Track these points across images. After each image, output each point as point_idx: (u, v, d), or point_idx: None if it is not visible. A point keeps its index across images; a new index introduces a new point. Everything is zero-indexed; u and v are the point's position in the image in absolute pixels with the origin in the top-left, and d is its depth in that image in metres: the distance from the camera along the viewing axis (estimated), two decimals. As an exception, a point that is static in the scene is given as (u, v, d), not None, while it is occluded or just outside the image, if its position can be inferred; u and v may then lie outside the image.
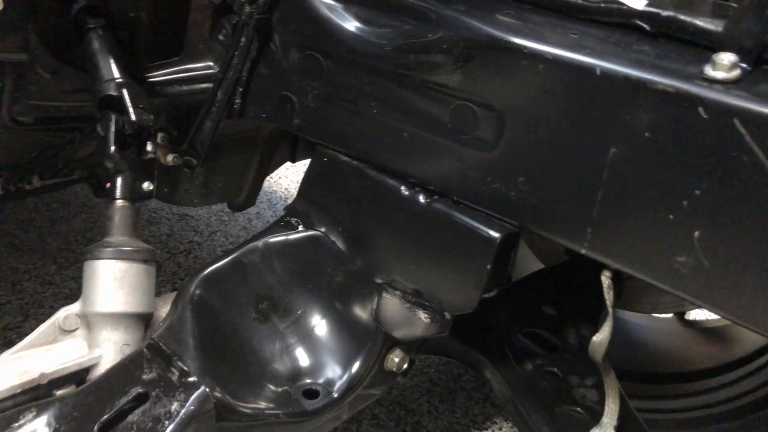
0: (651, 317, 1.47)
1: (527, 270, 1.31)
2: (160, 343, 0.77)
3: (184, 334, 0.79)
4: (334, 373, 0.85)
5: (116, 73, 0.89)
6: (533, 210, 0.68)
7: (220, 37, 0.95)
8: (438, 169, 0.75)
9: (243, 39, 0.87)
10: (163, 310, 0.87)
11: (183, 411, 0.71)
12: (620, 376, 0.95)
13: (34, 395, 0.76)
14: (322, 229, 0.89)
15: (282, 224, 0.92)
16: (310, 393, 0.83)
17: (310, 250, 0.89)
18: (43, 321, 0.83)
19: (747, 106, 0.53)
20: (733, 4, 0.62)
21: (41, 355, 0.80)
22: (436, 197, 0.77)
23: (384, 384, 0.91)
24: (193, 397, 0.72)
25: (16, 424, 0.71)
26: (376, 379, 0.87)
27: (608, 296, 0.75)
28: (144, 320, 0.85)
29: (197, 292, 0.83)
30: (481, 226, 0.72)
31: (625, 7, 0.64)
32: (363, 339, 0.85)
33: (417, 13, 0.75)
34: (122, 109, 0.86)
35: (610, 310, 0.77)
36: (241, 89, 0.92)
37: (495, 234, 0.71)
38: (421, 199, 0.77)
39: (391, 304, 0.81)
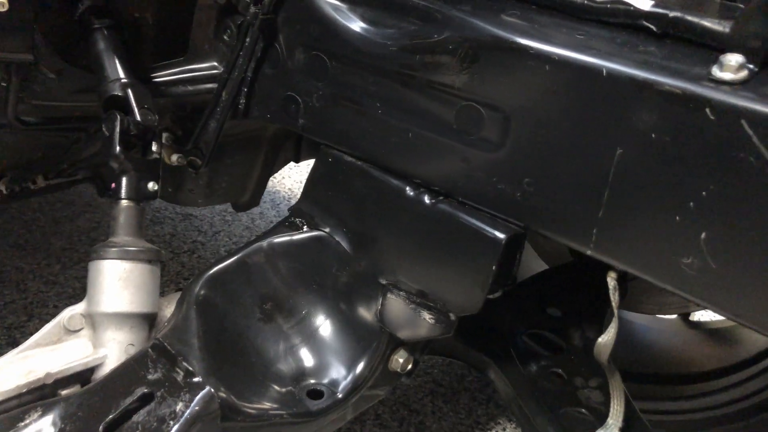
0: (656, 318, 1.47)
1: (531, 271, 1.31)
2: (165, 344, 0.77)
3: (189, 334, 0.79)
4: (338, 373, 0.84)
5: (121, 74, 0.89)
6: (539, 211, 0.68)
7: (225, 37, 0.95)
8: (443, 170, 0.75)
9: (248, 39, 0.87)
10: (168, 310, 0.87)
11: (188, 411, 0.71)
12: (625, 378, 0.95)
13: (40, 395, 0.76)
14: (327, 230, 0.89)
15: (286, 224, 0.92)
16: (315, 393, 0.83)
17: (314, 251, 0.89)
18: (47, 320, 0.83)
19: (754, 107, 0.52)
20: (741, 5, 0.61)
21: (46, 354, 0.80)
22: (441, 198, 0.77)
23: (388, 384, 0.90)
24: (198, 397, 0.72)
25: (22, 424, 0.71)
26: (380, 380, 0.87)
27: (614, 297, 0.75)
28: (149, 320, 0.85)
29: (202, 292, 0.83)
30: (487, 227, 0.72)
31: (632, 8, 0.64)
32: (367, 339, 0.85)
33: (422, 13, 0.75)
34: (127, 110, 0.87)
35: (615, 311, 0.76)
36: (245, 89, 0.92)
37: (500, 235, 0.71)
38: (426, 199, 0.77)
39: (396, 305, 0.81)
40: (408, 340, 0.85)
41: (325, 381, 0.84)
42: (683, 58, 0.59)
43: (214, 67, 0.99)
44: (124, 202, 0.87)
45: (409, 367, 0.88)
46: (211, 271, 0.85)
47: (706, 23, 0.59)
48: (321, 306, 0.88)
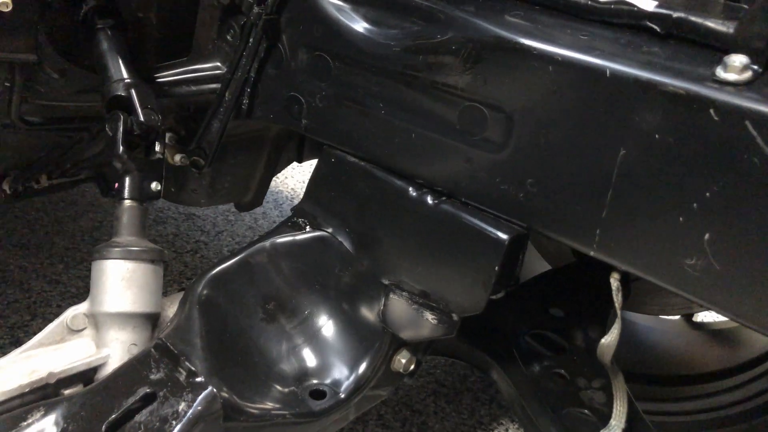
0: (659, 319, 1.46)
1: (534, 271, 1.31)
2: (168, 343, 0.77)
3: (192, 334, 0.79)
4: (340, 373, 0.84)
5: (125, 74, 0.89)
6: (542, 211, 0.68)
7: (229, 37, 0.95)
8: (446, 170, 0.75)
9: (251, 40, 0.87)
10: (171, 310, 0.87)
11: (190, 411, 0.71)
12: (628, 378, 0.94)
13: (43, 394, 0.77)
14: (329, 230, 0.89)
15: (289, 225, 0.92)
16: (317, 393, 0.83)
17: (317, 251, 0.89)
18: (50, 320, 0.83)
19: (759, 108, 0.52)
20: (745, 6, 0.61)
21: (49, 354, 0.80)
22: (444, 198, 0.77)
23: (391, 385, 0.90)
24: (200, 397, 0.72)
25: (25, 423, 0.71)
26: (382, 380, 0.87)
27: (617, 298, 0.75)
28: (152, 320, 0.85)
29: (204, 292, 0.83)
30: (490, 228, 0.72)
31: (636, 9, 0.63)
32: (370, 340, 0.85)
33: (426, 14, 0.75)
34: (131, 110, 0.87)
35: (618, 312, 0.76)
36: (248, 90, 0.92)
37: (503, 235, 0.71)
38: (429, 200, 0.77)
39: (398, 305, 0.81)
40: (410, 340, 0.85)
41: (328, 381, 0.84)
42: (687, 58, 0.59)
43: (217, 68, 0.99)
44: (127, 202, 0.87)
45: (412, 367, 0.88)
46: (214, 271, 0.85)
47: (710, 24, 0.59)
48: (323, 306, 0.88)
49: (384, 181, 0.81)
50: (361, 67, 0.79)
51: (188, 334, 0.79)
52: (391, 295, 0.82)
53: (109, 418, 0.71)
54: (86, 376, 0.80)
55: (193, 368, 0.75)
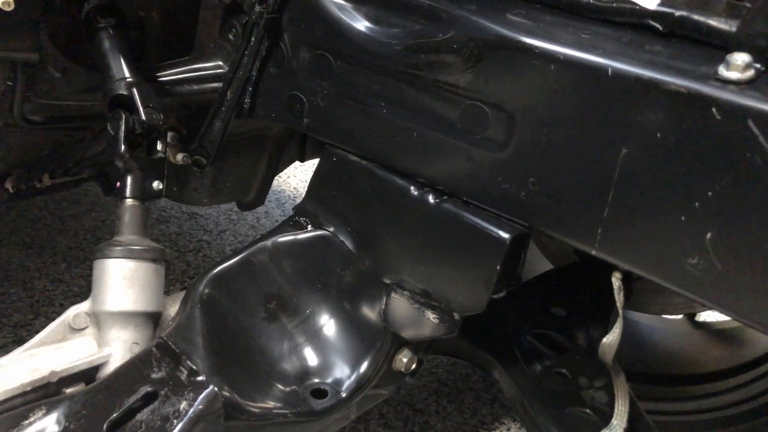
0: (661, 318, 1.46)
1: (536, 271, 1.31)
2: (169, 342, 0.77)
3: (193, 333, 0.79)
4: (342, 372, 0.84)
5: (126, 73, 0.89)
6: (543, 210, 0.68)
7: (230, 36, 0.95)
8: (448, 170, 0.75)
9: (253, 39, 0.87)
10: (173, 309, 0.87)
11: (191, 410, 0.71)
12: (630, 378, 0.94)
13: (44, 393, 0.77)
14: (331, 229, 0.89)
15: (291, 224, 0.92)
16: (319, 393, 0.83)
17: (318, 250, 0.89)
18: (53, 319, 0.83)
19: (761, 106, 0.52)
20: (747, 4, 0.61)
21: (51, 353, 0.80)
22: (445, 197, 0.76)
23: (392, 384, 0.90)
24: (201, 396, 0.72)
25: (26, 422, 0.71)
26: (384, 379, 0.87)
27: (618, 298, 0.75)
28: (153, 319, 0.85)
29: (206, 291, 0.83)
30: (491, 227, 0.72)
31: (638, 7, 0.63)
32: (371, 339, 0.85)
33: (427, 12, 0.75)
34: (132, 109, 0.87)
35: (620, 311, 0.76)
36: (250, 89, 0.92)
37: (505, 234, 0.71)
38: (431, 199, 0.77)
39: (400, 305, 0.81)
40: (412, 339, 0.84)
41: (329, 380, 0.84)
42: (689, 57, 0.59)
43: (219, 67, 0.99)
44: (129, 201, 0.87)
45: (413, 366, 0.88)
46: (216, 270, 0.85)
47: (713, 22, 0.59)
48: (325, 305, 0.88)
49: (385, 180, 0.81)
50: (362, 66, 0.79)
51: (190, 333, 0.79)
52: (393, 295, 0.82)
53: (111, 417, 0.71)
54: (88, 374, 0.80)
55: (194, 367, 0.75)
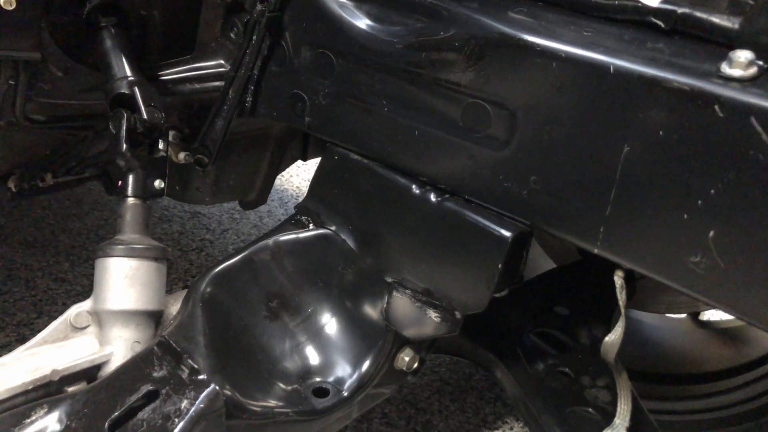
0: (664, 317, 1.46)
1: (539, 269, 1.30)
2: (171, 341, 0.77)
3: (195, 331, 0.79)
4: (344, 371, 0.84)
5: (128, 72, 0.89)
6: (545, 209, 0.68)
7: (232, 35, 0.95)
8: (449, 168, 0.75)
9: (254, 37, 0.87)
10: (174, 307, 0.87)
11: (193, 409, 0.71)
12: (633, 377, 0.94)
13: (46, 391, 0.77)
14: (333, 228, 0.89)
15: (293, 222, 0.92)
16: (320, 391, 0.83)
17: (320, 249, 0.88)
18: (55, 317, 0.83)
19: (764, 104, 0.52)
20: (750, 1, 0.60)
21: (53, 351, 0.81)
22: (447, 196, 0.76)
23: (394, 383, 0.90)
24: (203, 395, 0.72)
25: (28, 420, 0.71)
26: (386, 378, 0.87)
27: (621, 296, 0.74)
28: (155, 318, 0.85)
29: (208, 290, 0.83)
30: (493, 225, 0.72)
31: (640, 5, 0.63)
32: (373, 338, 0.85)
33: (429, 10, 0.75)
34: (134, 108, 0.87)
35: (622, 310, 0.76)
36: (252, 88, 0.92)
37: (507, 233, 0.71)
38: (432, 197, 0.77)
39: (402, 303, 0.81)
40: (414, 338, 0.84)
41: (331, 379, 0.84)
42: (692, 54, 0.59)
43: (220, 65, 0.99)
44: (131, 200, 0.87)
45: (415, 365, 0.88)
46: (217, 269, 0.85)
47: (715, 19, 0.58)
48: (327, 304, 0.88)
49: (387, 178, 0.81)
50: (364, 64, 0.79)
51: (191, 332, 0.79)
52: (395, 293, 0.82)
53: (112, 416, 0.71)
54: (89, 373, 0.80)
55: (195, 366, 0.75)
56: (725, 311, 0.60)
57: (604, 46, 0.61)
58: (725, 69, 0.55)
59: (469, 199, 0.74)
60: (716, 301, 0.59)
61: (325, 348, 0.86)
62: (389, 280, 0.83)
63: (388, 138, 0.79)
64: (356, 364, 0.84)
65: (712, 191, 0.56)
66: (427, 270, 0.79)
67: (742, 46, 0.55)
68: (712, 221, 0.56)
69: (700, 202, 0.57)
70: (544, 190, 0.67)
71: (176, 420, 0.70)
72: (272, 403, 0.79)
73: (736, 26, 0.57)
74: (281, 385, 0.82)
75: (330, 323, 0.87)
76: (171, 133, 1.02)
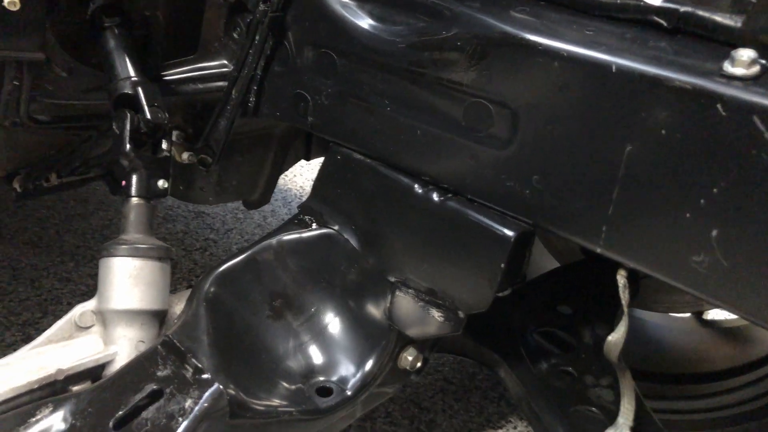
0: (668, 317, 1.45)
1: (542, 268, 1.30)
2: (175, 340, 0.77)
3: (199, 331, 0.80)
4: (347, 371, 0.85)
5: (131, 72, 0.89)
6: (548, 208, 0.68)
7: (235, 35, 0.95)
8: (452, 167, 0.75)
9: (257, 37, 0.87)
10: (178, 307, 0.87)
11: (197, 408, 0.71)
12: (636, 376, 0.94)
13: (51, 390, 0.77)
14: (336, 227, 0.89)
15: (296, 222, 0.92)
16: (324, 391, 0.83)
17: (323, 248, 0.89)
18: (60, 317, 0.84)
19: (766, 103, 0.52)
20: (752, 0, 0.60)
21: (58, 351, 0.81)
22: (449, 195, 0.76)
23: (398, 382, 0.90)
24: (206, 394, 0.72)
25: (33, 419, 0.72)
26: (389, 378, 0.87)
27: (624, 296, 0.74)
28: (159, 317, 0.86)
29: (212, 289, 0.83)
30: (495, 225, 0.72)
31: (642, 4, 0.63)
32: (376, 337, 0.85)
33: (431, 10, 0.75)
34: (137, 108, 0.87)
35: (625, 309, 0.76)
36: (255, 87, 0.92)
37: (509, 232, 0.71)
38: (435, 197, 0.77)
39: (405, 303, 0.81)
40: (417, 338, 0.84)
41: (334, 378, 0.84)
42: (694, 53, 0.59)
43: (224, 65, 0.99)
44: (135, 200, 0.87)
45: (419, 365, 0.88)
46: (221, 269, 0.85)
47: (718, 18, 0.58)
48: (330, 303, 0.88)
49: (390, 178, 0.81)
50: (366, 64, 0.79)
51: (195, 331, 0.79)
52: (398, 293, 0.82)
53: (117, 415, 0.71)
54: (94, 372, 0.80)
55: (199, 365, 0.75)
56: (729, 310, 0.60)
57: (606, 45, 0.61)
58: (728, 68, 0.55)
59: (472, 198, 0.74)
60: (719, 301, 0.58)
61: (328, 347, 0.86)
62: (392, 279, 0.83)
63: (390, 137, 0.79)
64: (359, 364, 0.84)
65: (715, 190, 0.56)
66: (429, 269, 0.79)
67: (744, 45, 0.55)
68: (715, 220, 0.56)
69: (702, 201, 0.56)
70: (547, 189, 0.67)
71: (180, 419, 0.70)
72: (276, 402, 0.79)
73: (739, 25, 0.57)
74: (285, 384, 0.82)
75: (333, 322, 0.87)
76: (174, 133, 1.03)
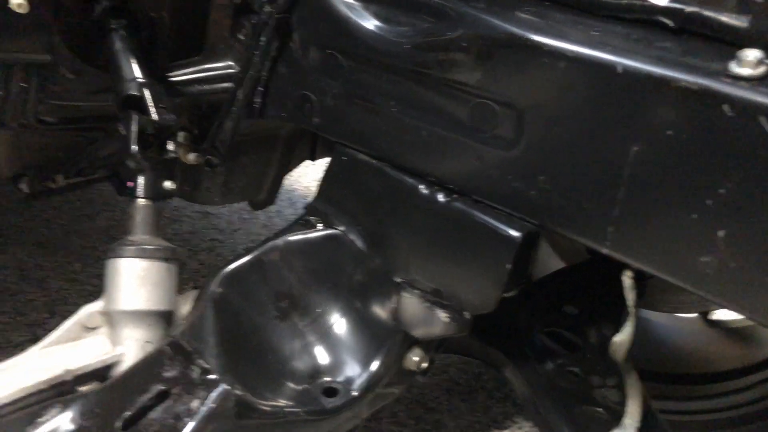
0: (674, 317, 1.45)
1: (548, 269, 1.30)
2: (182, 341, 0.78)
3: (205, 331, 0.80)
4: (353, 371, 0.85)
5: (138, 73, 0.89)
6: (554, 209, 0.68)
7: (241, 36, 0.96)
8: (457, 168, 0.75)
9: (263, 38, 0.88)
10: (185, 307, 0.88)
11: (204, 408, 0.72)
12: (643, 377, 0.94)
13: (59, 391, 0.77)
14: (342, 228, 0.89)
15: (301, 223, 0.92)
16: (330, 391, 0.83)
17: (329, 249, 0.89)
18: (68, 317, 0.84)
19: (773, 103, 0.51)
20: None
21: (66, 351, 0.81)
22: (455, 196, 0.76)
23: (403, 383, 0.90)
24: (213, 394, 0.73)
25: (41, 419, 0.72)
26: (395, 378, 0.87)
27: (629, 296, 0.74)
28: (166, 318, 0.86)
29: (218, 290, 0.84)
30: (501, 225, 0.72)
31: (648, 4, 0.63)
32: (382, 338, 0.85)
33: (436, 10, 0.75)
34: (144, 109, 0.87)
35: (631, 310, 0.76)
36: (261, 88, 0.92)
37: (515, 233, 0.71)
38: (441, 197, 0.77)
39: (411, 304, 0.81)
40: (423, 338, 0.84)
41: (341, 379, 0.84)
42: (700, 53, 0.59)
43: (229, 67, 1.00)
44: (141, 201, 0.87)
45: (425, 365, 0.88)
46: (228, 269, 0.86)
47: (724, 18, 0.58)
48: (336, 304, 0.88)
49: (395, 179, 0.81)
50: (371, 65, 0.79)
51: (202, 332, 0.80)
52: (403, 293, 0.82)
53: (124, 415, 0.72)
54: (101, 373, 0.81)
55: (206, 366, 0.75)
56: (735, 311, 0.59)
57: (612, 46, 0.61)
58: (734, 68, 0.54)
59: (478, 199, 0.74)
60: (726, 301, 0.58)
61: (334, 348, 0.86)
62: (398, 280, 0.83)
63: (395, 138, 0.80)
64: (365, 364, 0.84)
65: (722, 191, 0.56)
66: (435, 270, 0.79)
67: (750, 45, 0.55)
68: (722, 221, 0.56)
69: (709, 201, 0.56)
70: (553, 190, 0.67)
71: (187, 419, 0.71)
72: (282, 402, 0.79)
73: (745, 25, 0.57)
74: (291, 384, 0.82)
75: (339, 323, 0.87)
76: (181, 134, 1.03)
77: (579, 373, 1.00)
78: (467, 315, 0.79)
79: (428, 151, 0.76)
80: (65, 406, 0.73)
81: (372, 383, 0.84)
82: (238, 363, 0.79)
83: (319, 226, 0.91)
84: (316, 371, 0.85)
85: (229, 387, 0.73)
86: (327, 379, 0.85)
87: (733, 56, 0.55)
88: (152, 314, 0.83)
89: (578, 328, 1.07)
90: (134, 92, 0.88)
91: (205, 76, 1.00)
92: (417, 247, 0.81)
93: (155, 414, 0.72)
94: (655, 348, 1.39)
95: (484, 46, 0.68)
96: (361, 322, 0.87)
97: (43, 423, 0.72)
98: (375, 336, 0.85)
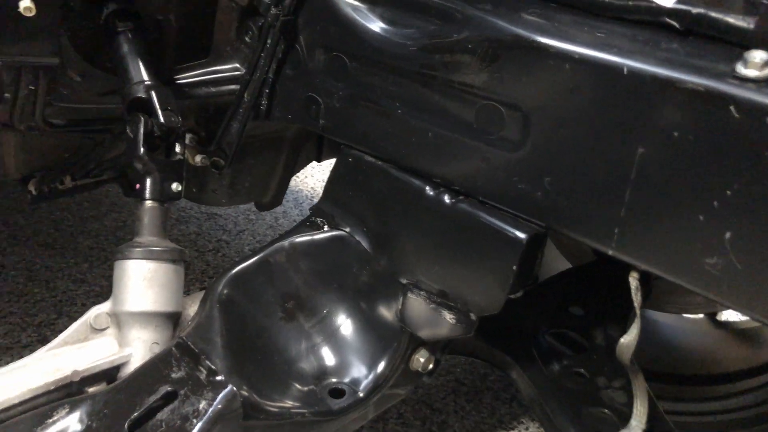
0: (681, 318, 1.44)
1: (554, 270, 1.30)
2: (189, 342, 0.78)
3: (212, 333, 0.80)
4: (359, 372, 0.85)
5: (145, 76, 0.90)
6: (560, 210, 0.68)
7: (247, 39, 0.96)
8: (463, 170, 0.75)
9: (269, 41, 0.88)
10: (192, 309, 0.88)
11: (211, 409, 0.72)
12: (649, 378, 0.93)
13: (67, 392, 0.78)
14: (347, 229, 0.89)
15: (308, 224, 0.92)
16: (336, 392, 0.83)
17: (335, 250, 0.89)
18: (75, 318, 0.84)
19: (780, 105, 0.51)
20: (765, 1, 0.60)
21: (74, 352, 0.82)
22: (461, 197, 0.76)
23: (409, 384, 0.91)
24: (220, 395, 0.73)
25: (50, 420, 0.72)
26: (401, 379, 0.87)
27: (636, 297, 0.74)
28: (173, 319, 0.86)
29: (225, 291, 0.84)
30: (507, 227, 0.72)
31: (654, 5, 0.63)
32: (388, 339, 0.85)
33: (442, 12, 0.75)
34: (151, 111, 0.88)
35: (637, 311, 0.76)
36: (267, 90, 0.92)
37: (521, 234, 0.71)
38: (446, 199, 0.77)
39: (416, 305, 0.81)
40: (429, 339, 0.85)
41: (347, 380, 0.85)
42: (707, 55, 0.59)
43: (236, 69, 1.00)
44: (149, 203, 0.88)
45: (431, 366, 0.88)
46: (234, 271, 0.86)
47: (730, 19, 0.58)
48: (342, 305, 0.88)
49: (401, 180, 0.81)
50: (377, 67, 0.79)
51: (209, 333, 0.80)
52: (409, 295, 0.82)
53: (132, 416, 0.72)
54: (109, 374, 0.81)
55: (213, 367, 0.75)
56: (742, 313, 0.59)
57: (618, 47, 0.61)
58: (740, 69, 0.54)
59: (484, 200, 0.74)
60: (733, 303, 0.58)
61: (340, 349, 0.86)
62: (404, 281, 0.83)
63: (401, 140, 0.80)
64: (372, 365, 0.85)
65: (728, 192, 0.55)
66: (441, 271, 0.79)
67: (757, 47, 0.55)
68: (729, 222, 0.56)
69: (716, 203, 0.56)
70: (559, 191, 0.67)
71: (194, 420, 0.71)
72: (289, 403, 0.79)
73: (752, 26, 0.56)
74: (297, 385, 0.82)
75: (345, 324, 0.88)
76: (188, 137, 1.03)
77: (585, 375, 1.00)
78: (473, 316, 0.79)
79: (434, 153, 0.77)
80: (73, 407, 0.74)
81: (378, 384, 0.84)
82: (244, 364, 0.79)
83: (325, 227, 0.91)
84: (323, 372, 0.85)
85: (235, 388, 0.74)
86: (333, 380, 0.85)
87: (739, 58, 0.55)
88: (159, 315, 0.84)
89: (584, 329, 1.07)
90: (141, 95, 0.88)
91: (212, 79, 1.00)
92: (423, 249, 0.81)
93: (163, 415, 0.72)
94: (661, 349, 1.38)
95: (490, 48, 0.68)
96: (367, 323, 0.87)
97: (51, 423, 0.72)
98: (381, 337, 0.86)
